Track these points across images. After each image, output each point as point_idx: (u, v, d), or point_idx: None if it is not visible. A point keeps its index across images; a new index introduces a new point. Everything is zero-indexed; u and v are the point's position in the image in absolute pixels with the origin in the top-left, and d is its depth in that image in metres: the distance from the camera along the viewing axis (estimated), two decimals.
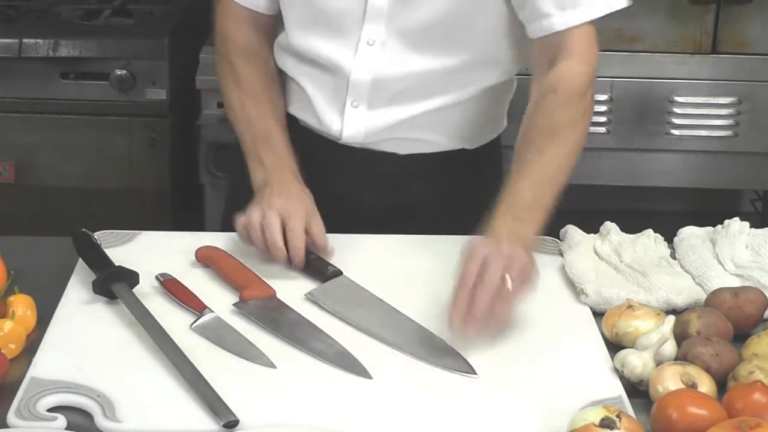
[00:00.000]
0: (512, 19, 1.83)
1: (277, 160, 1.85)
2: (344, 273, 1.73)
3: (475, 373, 1.52)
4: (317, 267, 1.74)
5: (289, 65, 1.94)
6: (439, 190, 1.95)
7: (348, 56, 1.85)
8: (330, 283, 1.72)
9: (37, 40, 2.83)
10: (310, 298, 1.68)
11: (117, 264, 1.69)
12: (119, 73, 2.84)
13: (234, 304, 1.65)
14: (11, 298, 1.60)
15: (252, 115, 1.90)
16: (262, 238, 1.73)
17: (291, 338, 1.58)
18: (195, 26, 3.14)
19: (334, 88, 1.89)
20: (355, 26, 1.84)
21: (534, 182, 1.70)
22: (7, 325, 1.53)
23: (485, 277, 1.56)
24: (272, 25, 1.95)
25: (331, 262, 1.75)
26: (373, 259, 1.80)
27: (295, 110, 1.97)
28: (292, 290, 1.70)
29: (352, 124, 1.89)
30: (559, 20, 1.77)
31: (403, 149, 1.92)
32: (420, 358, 1.55)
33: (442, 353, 1.56)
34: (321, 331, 1.59)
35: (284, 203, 1.76)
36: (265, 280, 1.70)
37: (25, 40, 2.82)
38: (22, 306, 1.59)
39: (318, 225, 1.77)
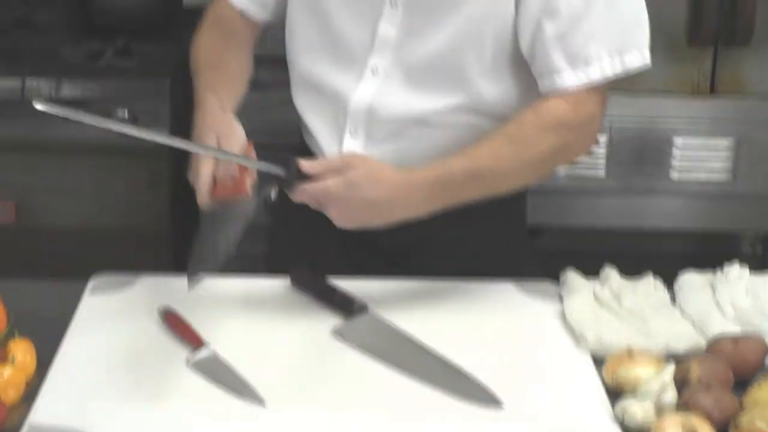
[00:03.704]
0: (513, 69, 1.84)
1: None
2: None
3: (500, 405, 1.53)
4: (343, 303, 1.76)
5: (293, 95, 1.96)
6: (439, 230, 1.89)
7: (351, 84, 1.86)
8: (356, 318, 1.73)
9: (40, 81, 2.85)
10: (337, 333, 1.70)
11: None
12: (121, 113, 2.85)
13: None
14: (11, 343, 1.59)
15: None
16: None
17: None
18: None
19: (333, 115, 1.89)
20: (363, 54, 1.84)
21: (471, 171, 1.72)
22: (7, 370, 1.53)
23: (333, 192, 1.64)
24: (255, 35, 1.97)
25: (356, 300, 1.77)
26: (396, 300, 1.80)
27: (306, 140, 1.98)
28: (318, 326, 1.72)
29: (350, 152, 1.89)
30: (571, 78, 1.76)
31: None
32: (448, 391, 1.57)
33: (468, 386, 1.58)
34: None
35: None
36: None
37: (28, 81, 2.84)
38: (22, 350, 1.59)
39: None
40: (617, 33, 1.77)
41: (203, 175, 1.65)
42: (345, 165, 1.66)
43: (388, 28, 1.82)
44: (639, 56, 1.79)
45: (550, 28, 1.75)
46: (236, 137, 1.69)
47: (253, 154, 1.67)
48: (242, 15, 1.95)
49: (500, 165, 1.74)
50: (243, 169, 1.65)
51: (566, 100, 1.77)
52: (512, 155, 1.74)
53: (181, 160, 2.88)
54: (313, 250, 1.95)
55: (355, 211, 1.68)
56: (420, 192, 1.70)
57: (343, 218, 1.68)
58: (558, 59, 1.76)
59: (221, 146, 1.67)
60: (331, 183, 1.65)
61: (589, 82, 1.76)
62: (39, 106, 1.48)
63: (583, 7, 1.74)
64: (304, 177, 1.65)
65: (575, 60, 1.75)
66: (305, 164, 1.65)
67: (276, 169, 1.65)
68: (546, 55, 1.76)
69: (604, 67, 1.76)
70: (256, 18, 1.96)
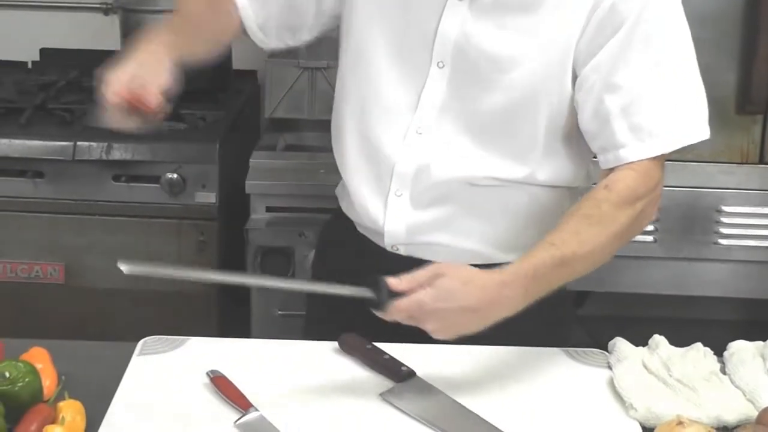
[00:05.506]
0: (566, 140, 1.84)
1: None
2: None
3: None
4: (391, 367, 1.75)
5: (337, 156, 1.98)
6: None
7: (397, 145, 1.87)
8: (404, 383, 1.72)
9: (91, 143, 2.88)
10: (385, 397, 1.69)
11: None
12: (170, 176, 2.87)
13: None
14: (61, 404, 1.60)
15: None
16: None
17: None
18: (245, 132, 3.19)
19: (378, 177, 1.90)
20: (409, 115, 1.85)
21: (559, 259, 1.68)
22: (57, 431, 1.53)
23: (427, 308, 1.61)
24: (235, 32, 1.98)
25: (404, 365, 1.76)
26: (441, 366, 1.79)
27: (345, 209, 1.99)
28: (367, 390, 1.71)
29: (395, 215, 1.89)
30: (638, 151, 1.76)
31: (444, 259, 1.85)
32: None
33: None
34: None
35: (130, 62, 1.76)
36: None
37: (79, 143, 2.87)
38: (72, 411, 1.59)
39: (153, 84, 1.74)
40: (679, 104, 1.77)
41: (116, 76, 1.70)
42: (434, 275, 1.61)
43: (434, 88, 1.83)
44: (701, 128, 1.79)
45: (613, 104, 1.76)
46: (157, 74, 1.74)
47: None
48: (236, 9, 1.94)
49: (584, 248, 1.71)
50: (153, 85, 1.71)
51: (635, 171, 1.77)
52: (595, 236, 1.72)
53: (229, 227, 2.92)
54: (352, 316, 1.93)
55: (452, 320, 1.63)
56: (514, 289, 1.65)
57: (441, 330, 1.63)
58: (623, 134, 1.76)
59: (135, 74, 1.73)
60: (423, 295, 1.60)
61: (656, 154, 1.77)
62: (124, 268, 1.49)
63: (645, 81, 1.75)
64: (394, 295, 1.62)
65: (640, 133, 1.76)
66: (393, 281, 1.62)
67: (365, 292, 1.63)
68: (610, 130, 1.77)
69: (669, 138, 1.77)
70: (246, 24, 1.95)
